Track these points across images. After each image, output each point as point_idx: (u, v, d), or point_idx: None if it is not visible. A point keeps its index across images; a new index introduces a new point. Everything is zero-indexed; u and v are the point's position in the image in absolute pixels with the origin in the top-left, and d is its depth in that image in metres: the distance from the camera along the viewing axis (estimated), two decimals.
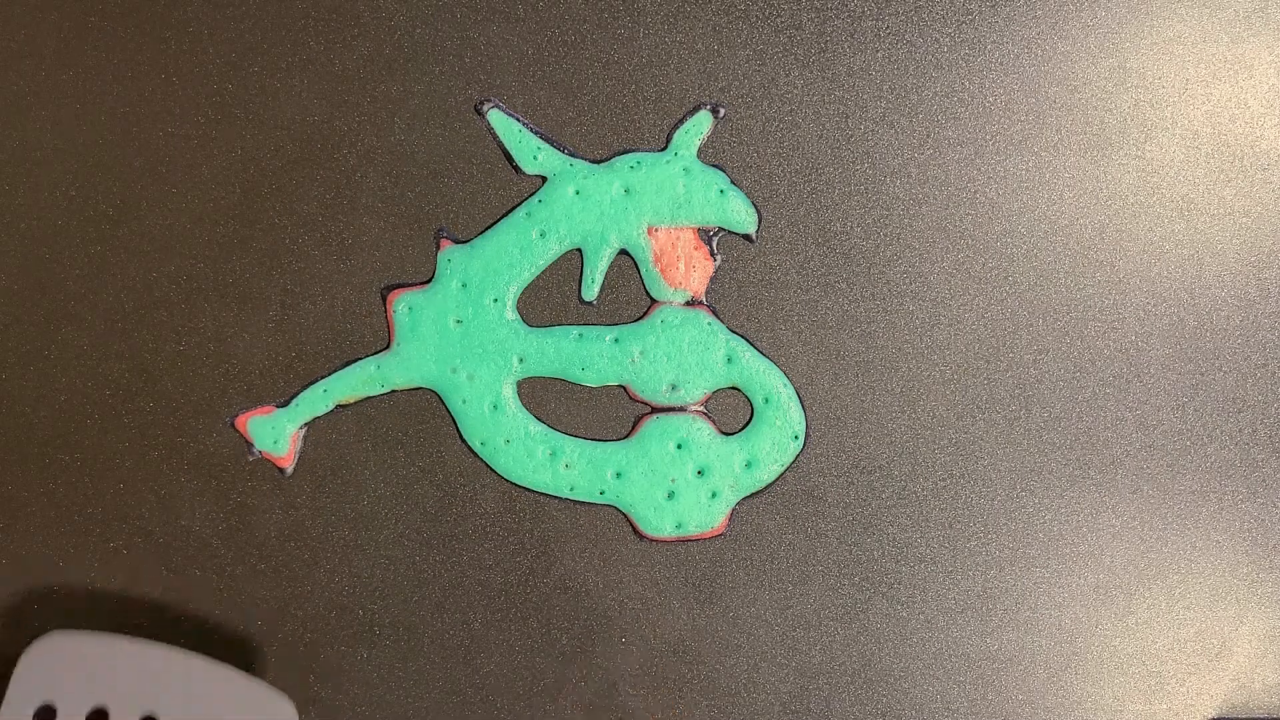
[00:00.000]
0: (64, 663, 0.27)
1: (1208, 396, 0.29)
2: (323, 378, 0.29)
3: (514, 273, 0.28)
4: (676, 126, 0.28)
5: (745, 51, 0.28)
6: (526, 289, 0.29)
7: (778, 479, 0.29)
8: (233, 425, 0.29)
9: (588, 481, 0.29)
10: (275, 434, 0.29)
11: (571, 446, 0.29)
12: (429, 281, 0.29)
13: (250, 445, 0.29)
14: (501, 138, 0.28)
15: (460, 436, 0.29)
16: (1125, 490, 0.29)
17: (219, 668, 0.27)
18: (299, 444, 0.29)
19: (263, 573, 0.29)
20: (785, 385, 0.29)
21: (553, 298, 0.29)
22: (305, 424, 0.29)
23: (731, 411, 0.29)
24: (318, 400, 0.29)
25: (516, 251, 0.28)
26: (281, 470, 0.29)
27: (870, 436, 0.29)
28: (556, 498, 0.29)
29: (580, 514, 0.29)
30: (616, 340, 0.29)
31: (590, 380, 0.29)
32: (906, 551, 0.29)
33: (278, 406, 0.29)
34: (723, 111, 0.28)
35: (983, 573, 0.29)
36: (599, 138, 0.28)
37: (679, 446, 0.29)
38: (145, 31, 0.28)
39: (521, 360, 0.29)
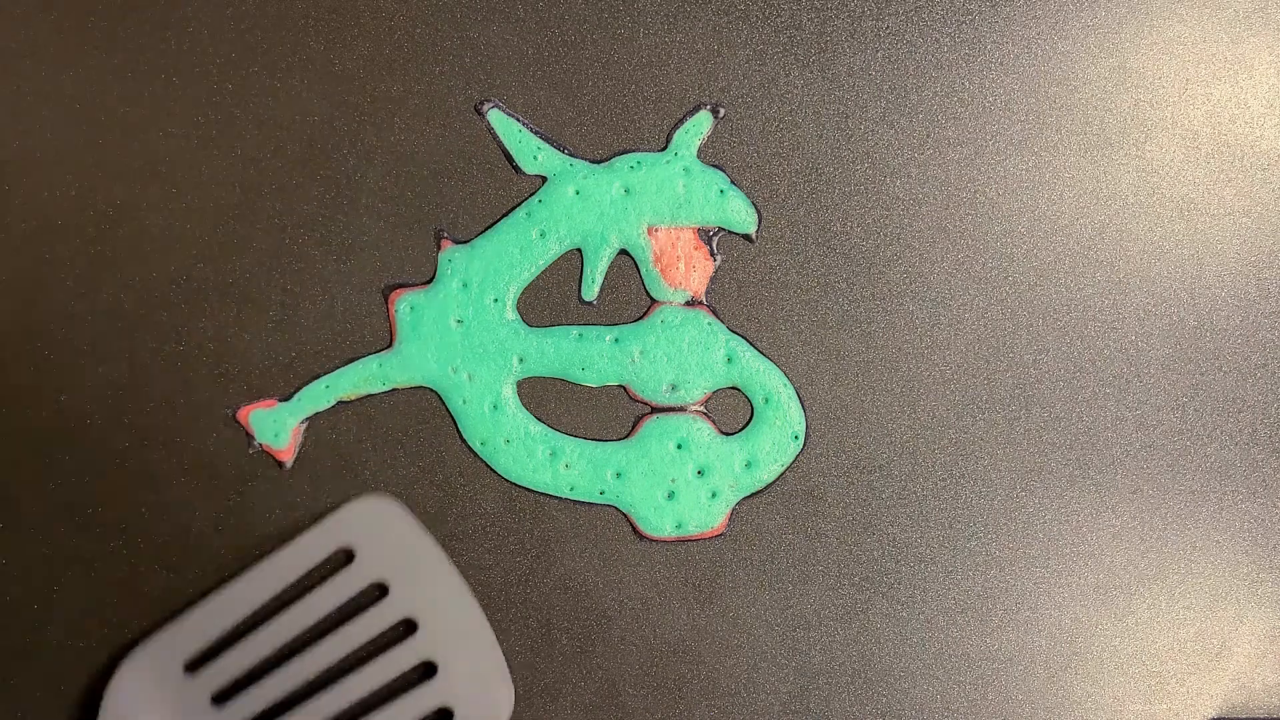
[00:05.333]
0: (378, 524, 0.28)
1: (1208, 396, 0.29)
2: (325, 374, 0.29)
3: (514, 273, 0.28)
4: (676, 126, 0.28)
5: (745, 51, 0.28)
6: (526, 289, 0.29)
7: (778, 479, 0.29)
8: (234, 417, 0.29)
9: (588, 481, 0.29)
10: (276, 427, 0.29)
11: (571, 446, 0.29)
12: (430, 281, 0.29)
13: (251, 438, 0.29)
14: (501, 138, 0.28)
15: (460, 436, 0.29)
16: (1125, 490, 0.29)
17: (486, 628, 0.28)
18: (299, 439, 0.29)
19: None
20: (785, 385, 0.29)
21: (553, 298, 0.29)
22: (306, 419, 0.29)
23: (731, 412, 0.29)
24: (320, 395, 0.29)
25: (516, 251, 0.28)
26: (281, 464, 0.29)
27: (870, 436, 0.29)
28: (557, 498, 0.29)
29: (580, 514, 0.29)
30: (616, 340, 0.29)
31: (590, 380, 0.29)
32: (906, 551, 0.29)
33: (280, 400, 0.29)
34: (723, 111, 0.28)
35: (983, 573, 0.29)
36: (599, 138, 0.28)
37: (679, 446, 0.29)
38: (145, 31, 0.28)
39: (521, 360, 0.29)
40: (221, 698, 0.28)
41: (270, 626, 0.28)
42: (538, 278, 0.29)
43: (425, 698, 0.28)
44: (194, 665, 0.28)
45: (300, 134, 0.28)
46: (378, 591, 0.28)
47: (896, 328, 0.29)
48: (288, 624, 0.28)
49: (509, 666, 0.29)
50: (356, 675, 0.28)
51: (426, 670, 0.28)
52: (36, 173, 0.28)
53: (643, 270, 0.29)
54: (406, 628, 0.28)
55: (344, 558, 0.28)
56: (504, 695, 0.28)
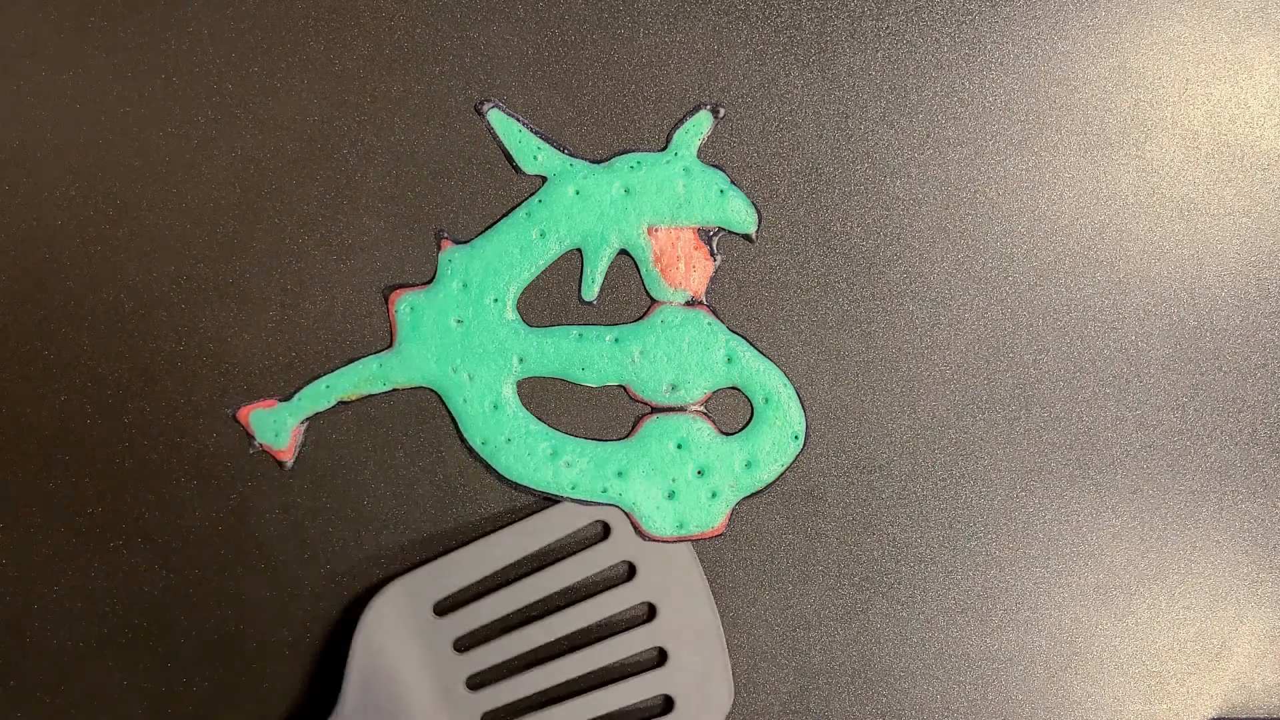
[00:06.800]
0: None
1: (1208, 396, 0.29)
2: (326, 374, 0.29)
3: (514, 273, 0.28)
4: (676, 126, 0.28)
5: (745, 51, 0.28)
6: (526, 289, 0.29)
7: (778, 479, 0.29)
8: (234, 417, 0.29)
9: (589, 480, 0.29)
10: (276, 427, 0.29)
11: (572, 446, 0.29)
12: (430, 281, 0.29)
13: (251, 438, 0.29)
14: (501, 138, 0.28)
15: (460, 436, 0.29)
16: (1125, 490, 0.29)
17: (719, 630, 0.29)
18: (300, 439, 0.29)
19: (263, 573, 0.29)
20: (785, 385, 0.29)
21: (553, 298, 0.29)
22: (306, 419, 0.29)
23: (731, 412, 0.29)
24: (320, 395, 0.29)
25: (516, 251, 0.28)
26: (281, 464, 0.29)
27: (870, 436, 0.29)
28: (557, 497, 0.29)
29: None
30: (616, 340, 0.29)
31: (590, 380, 0.29)
32: (906, 551, 0.29)
33: (280, 400, 0.29)
34: (723, 111, 0.28)
35: (983, 573, 0.29)
36: (599, 138, 0.28)
37: (679, 446, 0.29)
38: (145, 31, 0.28)
39: (521, 360, 0.29)
40: (463, 645, 0.29)
41: (519, 585, 0.28)
42: (538, 278, 0.29)
43: (652, 683, 0.29)
44: (443, 609, 0.29)
45: (300, 134, 0.28)
46: (626, 571, 0.29)
47: (896, 328, 0.29)
48: (535, 586, 0.28)
49: (509, 666, 0.29)
50: (592, 648, 0.29)
51: (659, 658, 0.29)
52: (36, 173, 0.28)
53: (643, 270, 0.29)
54: (647, 612, 0.29)
55: (601, 531, 0.29)
56: (724, 695, 0.29)
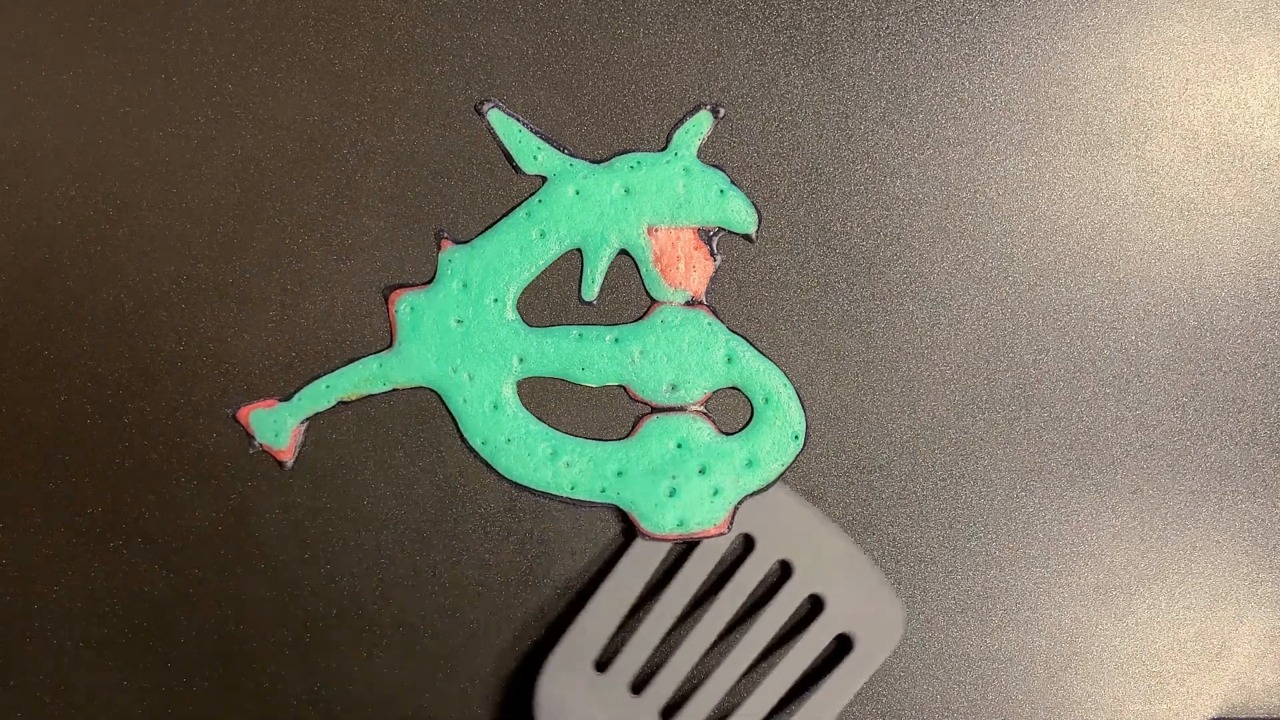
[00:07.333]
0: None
1: (1208, 396, 0.29)
2: (326, 374, 0.29)
3: (514, 273, 0.28)
4: (676, 126, 0.28)
5: (745, 51, 0.28)
6: (526, 289, 0.29)
7: (778, 478, 0.29)
8: (234, 417, 0.29)
9: (589, 480, 0.29)
10: (276, 427, 0.29)
11: (572, 445, 0.29)
12: (430, 281, 0.29)
13: (251, 438, 0.29)
14: (501, 138, 0.28)
15: (460, 436, 0.29)
16: (1125, 490, 0.29)
17: (858, 552, 0.29)
18: (300, 439, 0.29)
19: (263, 573, 0.29)
20: (785, 385, 0.29)
21: (553, 298, 0.29)
22: (306, 419, 0.29)
23: (732, 411, 0.29)
24: (320, 395, 0.29)
25: (516, 251, 0.28)
26: (281, 464, 0.29)
27: (870, 436, 0.29)
28: (557, 496, 0.29)
29: (580, 514, 0.29)
30: (616, 340, 0.29)
31: (590, 380, 0.29)
32: (906, 551, 0.29)
33: (280, 400, 0.29)
34: (723, 111, 0.28)
35: (983, 573, 0.29)
36: (599, 138, 0.28)
37: (679, 446, 0.29)
38: (145, 31, 0.28)
39: (521, 360, 0.29)
40: (637, 686, 0.29)
41: (658, 609, 0.29)
42: (538, 278, 0.29)
43: (822, 631, 0.29)
44: (602, 664, 0.29)
45: (300, 134, 0.28)
46: (743, 544, 0.29)
47: (896, 328, 0.29)
48: (673, 600, 0.29)
49: (509, 666, 0.29)
50: (753, 627, 0.29)
51: (815, 605, 0.29)
52: (36, 173, 0.28)
53: (643, 270, 0.29)
54: (782, 569, 0.29)
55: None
56: (895, 611, 0.29)
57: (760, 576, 0.29)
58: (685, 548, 0.29)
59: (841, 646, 0.29)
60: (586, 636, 0.29)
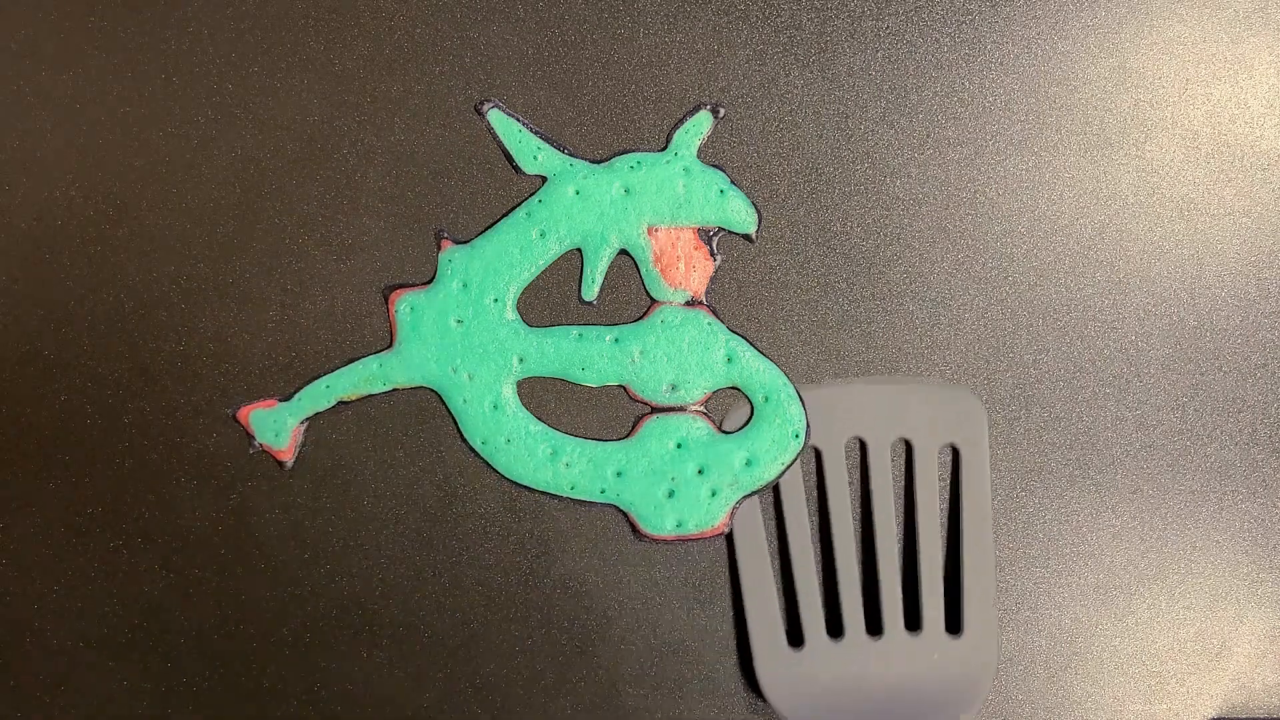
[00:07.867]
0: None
1: (1208, 396, 0.29)
2: (326, 374, 0.29)
3: (514, 273, 0.28)
4: (676, 126, 0.28)
5: (745, 51, 0.28)
6: (526, 289, 0.29)
7: (778, 478, 0.29)
8: (234, 417, 0.29)
9: (588, 480, 0.29)
10: (276, 427, 0.29)
11: (572, 445, 0.29)
12: (430, 281, 0.29)
13: (251, 438, 0.29)
14: (501, 138, 0.28)
15: (461, 436, 0.29)
16: (1125, 490, 0.29)
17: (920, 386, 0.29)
18: (300, 439, 0.29)
19: (263, 573, 0.29)
20: (785, 385, 0.29)
21: (553, 298, 0.29)
22: (306, 419, 0.29)
23: (731, 412, 0.29)
24: (320, 395, 0.29)
25: (516, 251, 0.28)
26: (281, 464, 0.29)
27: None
28: (557, 496, 0.29)
29: (580, 514, 0.29)
30: (616, 340, 0.29)
31: (590, 380, 0.29)
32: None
33: (280, 400, 0.29)
34: (723, 111, 0.28)
35: None
36: (599, 138, 0.28)
37: (679, 446, 0.29)
38: (145, 31, 0.28)
39: (521, 360, 0.29)
40: (832, 629, 0.29)
41: (796, 561, 0.29)
42: (538, 278, 0.29)
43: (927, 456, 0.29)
44: (794, 639, 0.29)
45: (300, 134, 0.28)
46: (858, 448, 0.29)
47: (896, 328, 0.29)
48: (802, 550, 0.29)
49: (509, 666, 0.29)
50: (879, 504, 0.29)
51: (907, 449, 0.29)
52: (36, 173, 0.28)
53: (643, 270, 0.29)
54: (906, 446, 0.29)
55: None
56: (976, 409, 0.29)
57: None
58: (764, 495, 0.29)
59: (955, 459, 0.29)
60: (766, 620, 0.29)
